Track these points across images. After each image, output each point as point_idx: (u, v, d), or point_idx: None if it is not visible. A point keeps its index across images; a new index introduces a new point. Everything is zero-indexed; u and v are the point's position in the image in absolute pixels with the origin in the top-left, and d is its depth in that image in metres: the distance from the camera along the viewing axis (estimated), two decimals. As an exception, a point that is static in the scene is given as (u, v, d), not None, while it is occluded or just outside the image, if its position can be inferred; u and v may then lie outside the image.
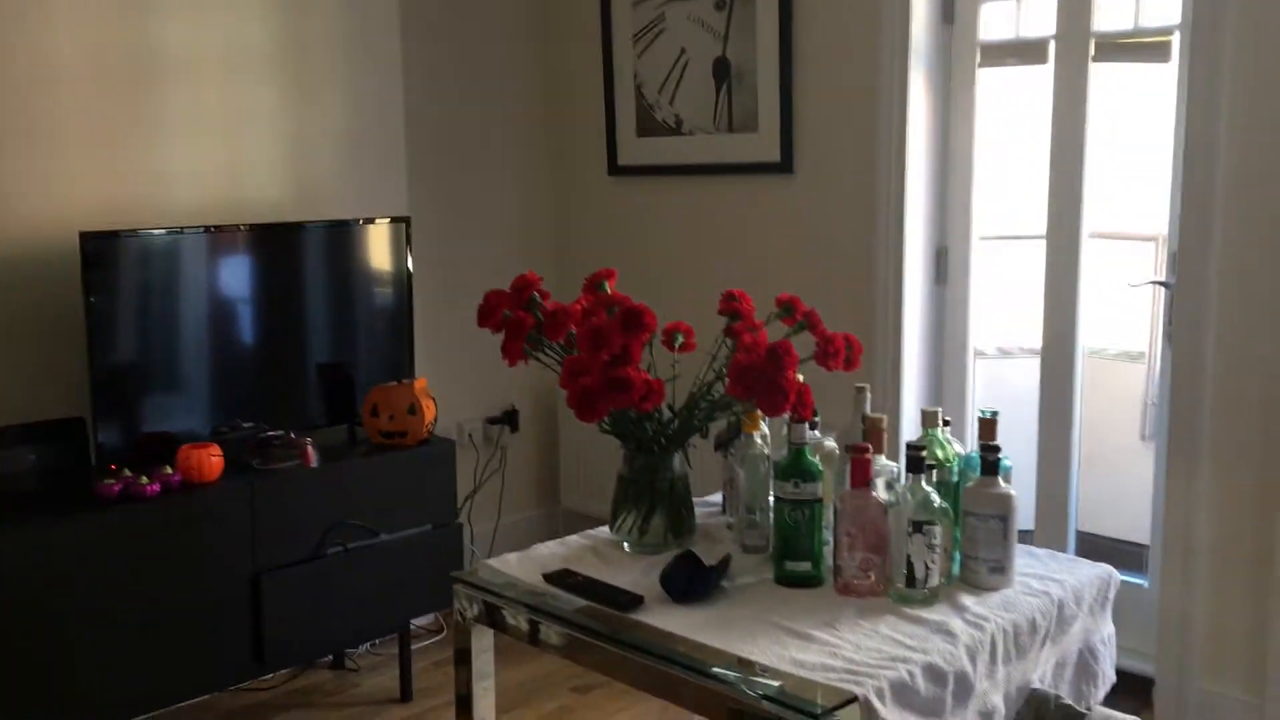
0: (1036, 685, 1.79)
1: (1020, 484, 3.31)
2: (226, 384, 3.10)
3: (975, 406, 3.44)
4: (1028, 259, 3.32)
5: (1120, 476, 3.63)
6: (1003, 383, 3.65)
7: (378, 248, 3.38)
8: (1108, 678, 1.99)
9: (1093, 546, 3.52)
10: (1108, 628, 2.02)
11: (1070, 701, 1.36)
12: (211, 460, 2.85)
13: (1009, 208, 3.52)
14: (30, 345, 2.92)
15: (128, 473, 2.76)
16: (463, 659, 2.10)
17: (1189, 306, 2.83)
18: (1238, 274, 2.74)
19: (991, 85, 3.36)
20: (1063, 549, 3.15)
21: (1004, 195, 3.49)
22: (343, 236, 3.31)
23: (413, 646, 3.34)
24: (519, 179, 4.15)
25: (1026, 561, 2.02)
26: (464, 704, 2.11)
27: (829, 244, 3.49)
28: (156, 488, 2.76)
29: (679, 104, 3.80)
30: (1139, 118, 3.34)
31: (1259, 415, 2.73)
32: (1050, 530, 3.28)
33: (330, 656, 3.46)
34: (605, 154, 4.05)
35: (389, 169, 3.64)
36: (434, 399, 3.27)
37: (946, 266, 3.42)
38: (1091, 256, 3.19)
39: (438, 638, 3.61)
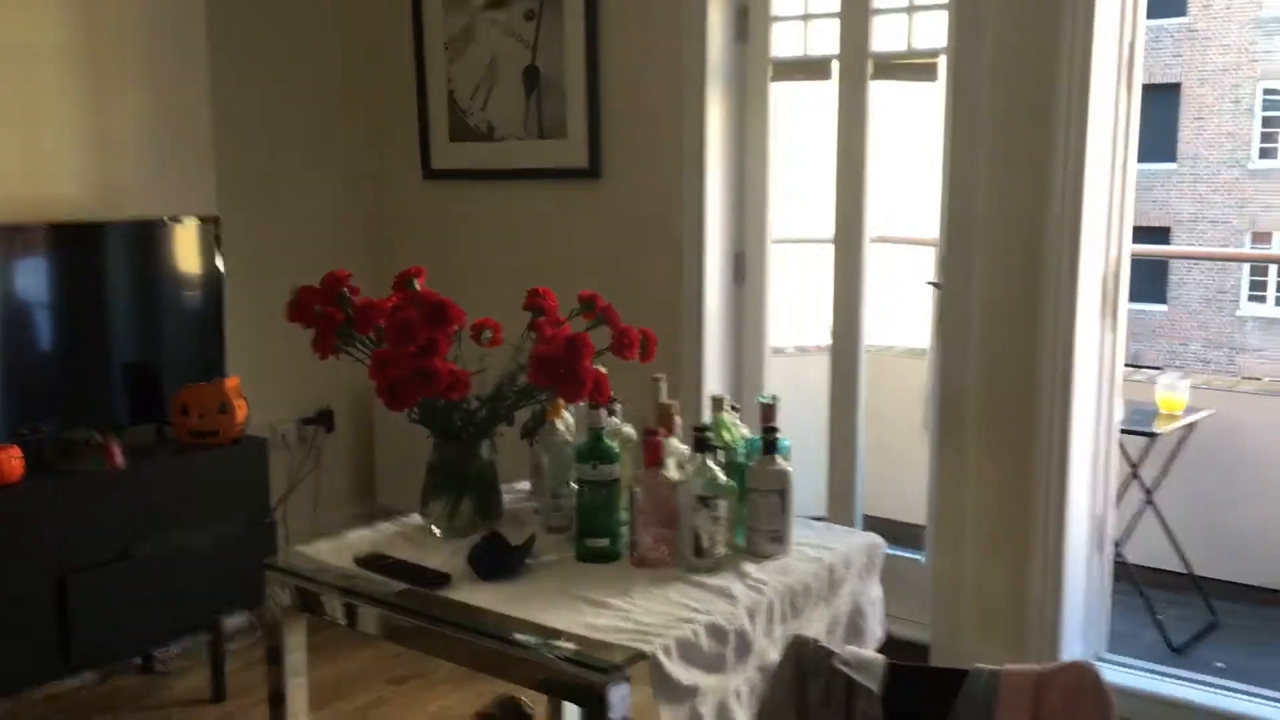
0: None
1: (814, 472, 3.58)
2: (26, 386, 3.04)
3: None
4: (821, 262, 3.58)
5: (905, 463, 3.92)
6: (801, 378, 3.91)
7: (186, 247, 3.37)
8: (875, 635, 2.21)
9: (879, 528, 3.80)
10: (875, 590, 2.24)
11: (825, 644, 1.54)
12: (12, 462, 2.81)
13: (803, 213, 3.78)
14: None
15: (-79, 476, 2.69)
16: (274, 655, 2.15)
17: (955, 306, 3.12)
18: (996, 277, 3.04)
19: (784, 98, 3.60)
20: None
21: (798, 201, 3.74)
22: (148, 236, 3.29)
23: (227, 647, 3.34)
24: (335, 180, 4.18)
25: (805, 533, 2.22)
26: (276, 700, 2.16)
27: (635, 246, 3.66)
28: (-48, 490, 2.70)
29: (490, 110, 3.92)
30: (920, 131, 3.64)
31: (1016, 404, 3.03)
32: (840, 515, 3.53)
33: (140, 660, 3.42)
34: (420, 158, 4.13)
35: (197, 167, 3.62)
36: (246, 399, 3.28)
37: (744, 268, 3.64)
38: (876, 259, 3.46)
39: (251, 639, 3.61)
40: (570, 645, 1.76)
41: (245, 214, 3.78)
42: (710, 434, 2.07)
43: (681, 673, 1.78)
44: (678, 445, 2.19)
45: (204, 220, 3.37)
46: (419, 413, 2.17)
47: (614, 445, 2.11)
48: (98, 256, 3.20)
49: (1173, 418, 3.71)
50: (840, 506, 3.55)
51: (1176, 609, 3.83)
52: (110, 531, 2.96)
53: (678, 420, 2.23)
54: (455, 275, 3.97)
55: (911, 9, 3.33)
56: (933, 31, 3.25)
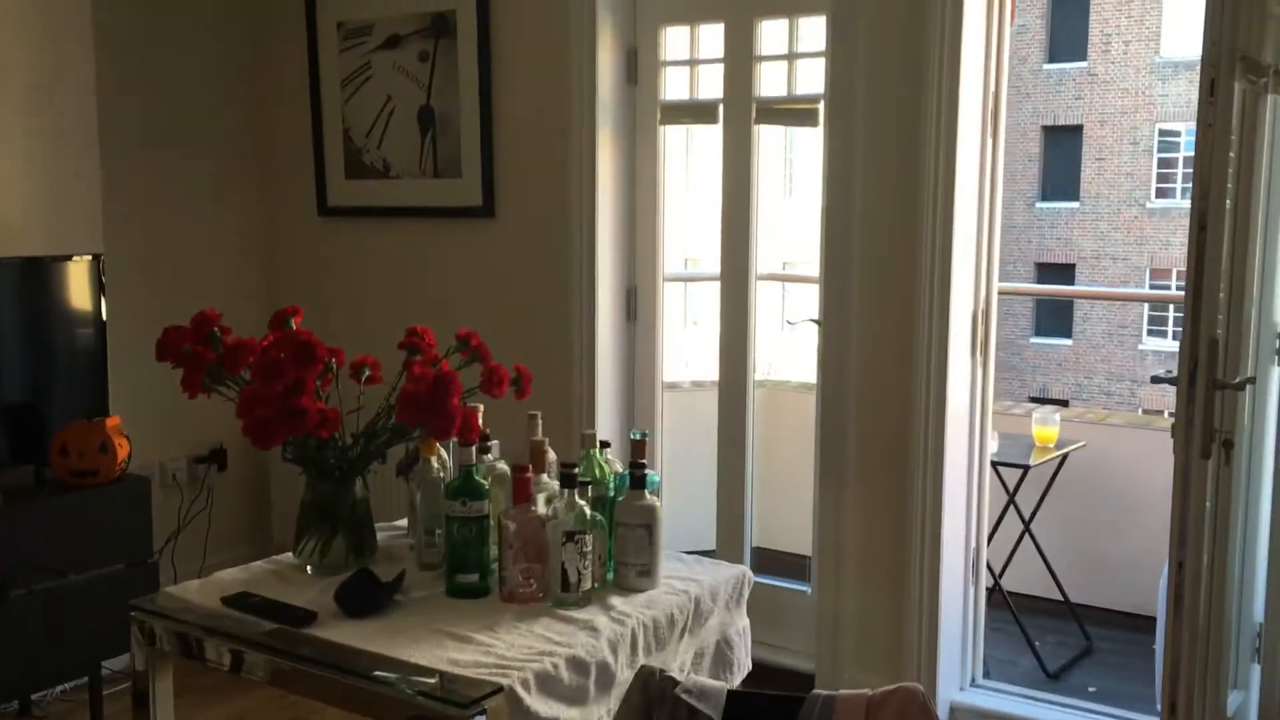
0: (673, 673, 2.03)
1: (705, 506, 3.65)
2: (-102, 425, 2.98)
3: (664, 434, 3.74)
4: (712, 298, 3.66)
5: (795, 496, 4.00)
6: (696, 412, 3.98)
7: (70, 285, 3.33)
8: (743, 665, 2.27)
9: (769, 560, 3.88)
10: (742, 621, 2.29)
11: (672, 674, 1.59)
12: (-122, 503, 2.74)
13: (694, 250, 3.87)
14: None
15: None
16: (140, 699, 2.13)
17: (833, 342, 3.21)
18: (871, 314, 3.14)
19: (674, 140, 3.69)
20: (739, 563, 3.47)
21: (688, 239, 3.83)
22: (30, 273, 3.25)
23: (105, 691, 3.28)
24: (227, 217, 4.17)
25: (675, 566, 2.27)
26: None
27: (529, 284, 3.71)
28: None
29: (386, 148, 3.94)
30: (804, 172, 3.75)
31: (892, 438, 3.13)
32: (729, 547, 3.59)
33: (16, 705, 3.34)
34: (315, 194, 4.13)
35: (83, 204, 3.58)
36: (128, 437, 3.25)
37: (636, 304, 3.70)
38: (764, 296, 3.55)
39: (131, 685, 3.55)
40: (429, 680, 1.79)
41: (134, 251, 3.75)
42: (579, 470, 2.12)
43: (540, 705, 1.81)
44: (549, 482, 2.23)
45: (88, 258, 3.34)
46: (291, 451, 2.19)
47: (484, 482, 2.15)
48: (-22, 294, 3.16)
49: (1046, 449, 3.84)
50: (730, 539, 3.61)
51: (1054, 635, 3.95)
52: (-17, 574, 2.90)
53: (551, 457, 2.27)
54: (349, 313, 4.00)
55: (792, 56, 3.44)
56: (813, 78, 3.36)
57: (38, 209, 3.46)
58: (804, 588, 3.51)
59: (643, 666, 1.64)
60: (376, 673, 1.82)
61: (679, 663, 2.09)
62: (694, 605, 2.15)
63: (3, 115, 3.37)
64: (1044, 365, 19.21)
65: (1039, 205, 20.33)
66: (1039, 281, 19.94)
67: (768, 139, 3.51)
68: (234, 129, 4.16)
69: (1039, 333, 19.48)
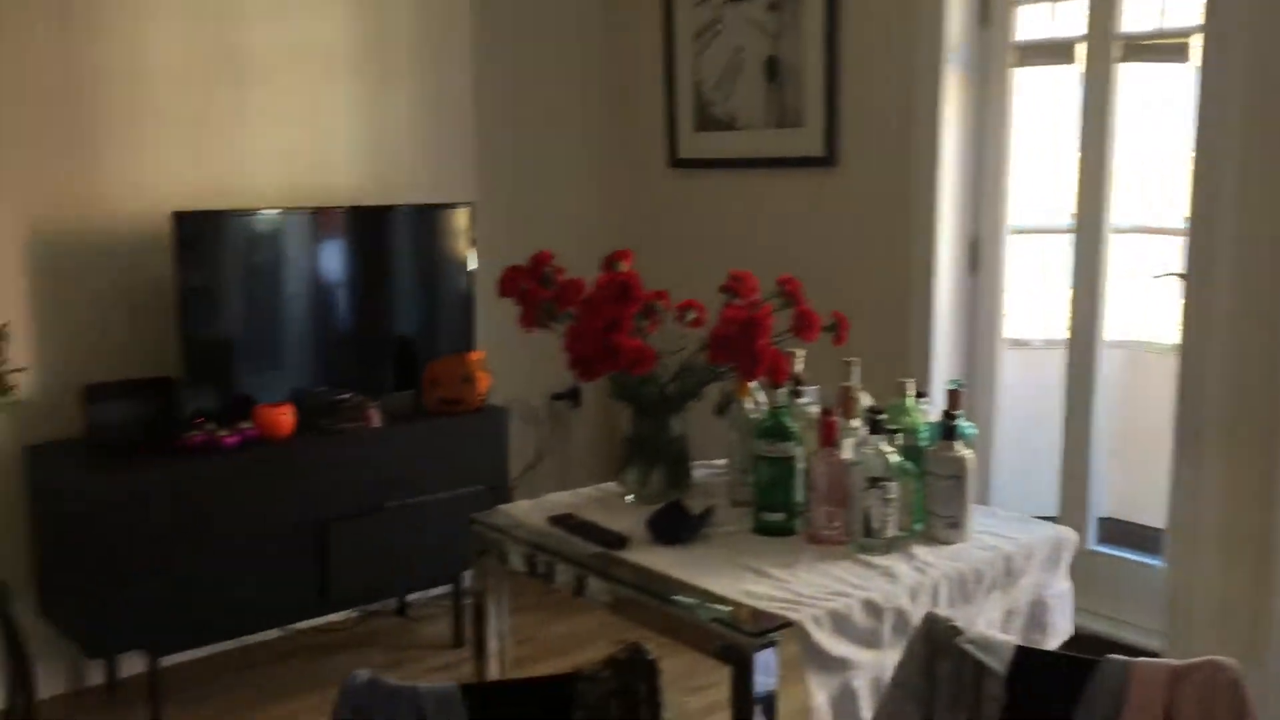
0: (982, 628, 1.97)
1: (1046, 470, 3.47)
2: (303, 352, 3.43)
3: (1003, 391, 3.59)
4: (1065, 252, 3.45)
5: (1152, 465, 3.71)
6: (1044, 372, 3.78)
7: (445, 232, 3.67)
8: (1060, 630, 2.16)
9: (1120, 531, 3.63)
10: (1061, 585, 2.18)
11: (955, 624, 1.54)
12: (284, 418, 3.18)
13: (1042, 201, 3.65)
14: (128, 311, 3.28)
15: (210, 426, 3.10)
16: (479, 605, 2.35)
17: (1198, 299, 2.93)
18: (1246, 269, 2.84)
19: (1026, 83, 3.49)
20: (1083, 533, 3.28)
21: (1038, 189, 3.62)
22: (413, 221, 3.61)
23: (466, 601, 3.63)
24: (584, 168, 4.41)
25: (988, 521, 2.20)
26: (479, 647, 2.36)
27: (868, 233, 3.66)
28: (234, 440, 3.10)
29: (733, 101, 4.02)
30: (1168, 115, 3.44)
31: (1263, 405, 2.82)
32: (1071, 514, 3.39)
33: (395, 604, 3.78)
34: (666, 147, 4.29)
35: (459, 158, 3.94)
36: (489, 371, 3.55)
37: (979, 257, 3.56)
38: (1121, 250, 3.30)
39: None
40: (724, 609, 1.85)
41: (501, 199, 4.07)
42: (886, 417, 2.09)
43: (830, 643, 1.82)
44: (859, 427, 2.21)
45: (462, 206, 3.67)
46: (613, 387, 2.31)
47: (792, 424, 2.17)
48: (368, 238, 3.55)
49: None
50: (1072, 506, 3.41)
51: None
52: (366, 486, 3.29)
53: (861, 403, 2.25)
54: (690, 261, 4.12)
55: (1163, -15, 3.15)
56: (1186, 9, 3.06)
57: (424, 161, 3.84)
58: (1155, 561, 3.27)
59: (928, 614, 1.61)
60: (676, 597, 1.91)
61: (986, 619, 2.02)
62: (1005, 563, 2.07)
63: (396, 80, 3.76)
64: None
65: None
66: None
67: (1130, 79, 3.24)
68: (592, 87, 4.39)
69: None
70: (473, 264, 3.68)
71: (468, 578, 3.64)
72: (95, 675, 3.32)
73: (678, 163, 4.27)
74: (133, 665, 3.28)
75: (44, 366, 3.13)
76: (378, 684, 1.37)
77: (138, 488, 2.94)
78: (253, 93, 3.47)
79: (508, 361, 3.87)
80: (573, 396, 4.45)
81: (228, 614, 3.09)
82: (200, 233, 3.17)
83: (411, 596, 3.84)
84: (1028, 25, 3.44)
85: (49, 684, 3.15)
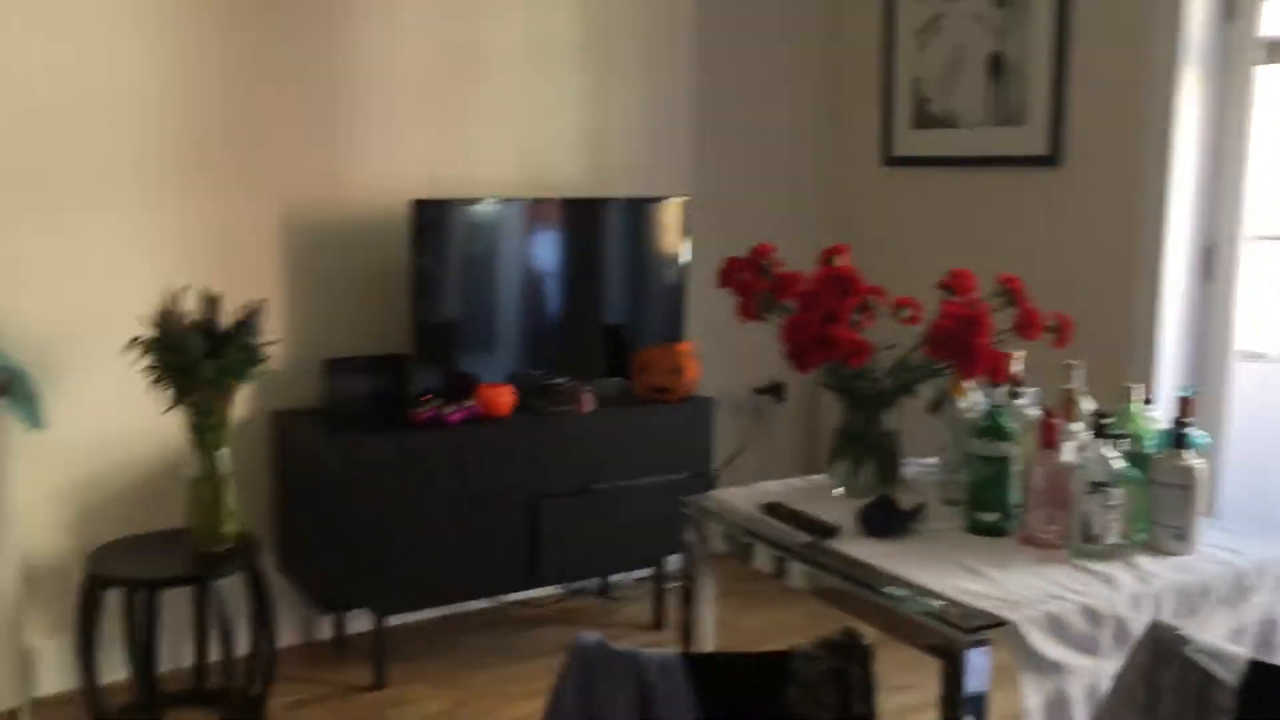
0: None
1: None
2: (522, 336, 3.59)
3: (1236, 405, 3.42)
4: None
5: None
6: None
7: (661, 224, 3.76)
8: (1292, 654, 2.06)
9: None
10: (1296, 606, 2.08)
11: (1182, 632, 1.50)
12: (504, 398, 3.34)
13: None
14: (369, 292, 3.51)
15: (436, 402, 3.28)
16: (688, 588, 2.42)
17: None
18: None
19: (1272, 82, 3.31)
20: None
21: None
22: (631, 213, 3.72)
23: (667, 583, 3.72)
24: (796, 164, 4.43)
25: (1218, 535, 2.12)
26: (686, 630, 2.43)
27: (1092, 236, 3.55)
28: (458, 416, 3.27)
29: (952, 97, 3.96)
30: None
31: None
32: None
33: (598, 583, 3.90)
34: (880, 144, 4.26)
35: (677, 153, 4.03)
36: (698, 362, 3.62)
37: (1213, 264, 3.40)
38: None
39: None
40: (937, 603, 1.85)
41: (715, 194, 4.14)
42: (1112, 422, 2.04)
43: (1047, 647, 1.80)
44: (1081, 431, 2.17)
45: (678, 200, 3.75)
46: (827, 378, 2.34)
47: (1010, 424, 2.15)
48: (588, 229, 3.68)
49: None
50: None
51: None
52: (576, 467, 3.42)
53: (1086, 407, 2.20)
54: (904, 259, 4.09)
55: None
56: None
57: (642, 155, 3.95)
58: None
59: (1154, 622, 1.57)
60: (887, 589, 1.92)
61: (1211, 635, 1.95)
62: (1235, 578, 1.99)
63: (614, 75, 3.88)
64: None
65: None
66: None
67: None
68: (808, 84, 4.40)
69: None
70: (685, 256, 3.76)
71: (669, 562, 3.75)
72: (324, 630, 3.57)
73: (892, 160, 4.24)
74: (359, 623, 3.51)
75: (291, 340, 3.39)
76: (605, 646, 1.45)
77: (369, 456, 3.14)
78: (486, 87, 3.65)
79: (714, 354, 3.94)
80: (775, 392, 4.48)
81: (445, 580, 3.27)
82: (434, 220, 3.35)
83: (613, 578, 3.95)
84: (1277, 19, 3.26)
85: (282, 635, 3.40)
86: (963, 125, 3.94)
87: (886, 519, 2.15)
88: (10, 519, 2.80)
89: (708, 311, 4.05)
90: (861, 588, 1.96)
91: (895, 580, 1.95)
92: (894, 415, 2.37)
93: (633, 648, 1.50)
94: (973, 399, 2.32)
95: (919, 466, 2.54)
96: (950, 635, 1.79)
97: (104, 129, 3.11)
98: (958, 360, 2.09)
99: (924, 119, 4.09)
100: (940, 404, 2.39)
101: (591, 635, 1.49)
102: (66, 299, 3.10)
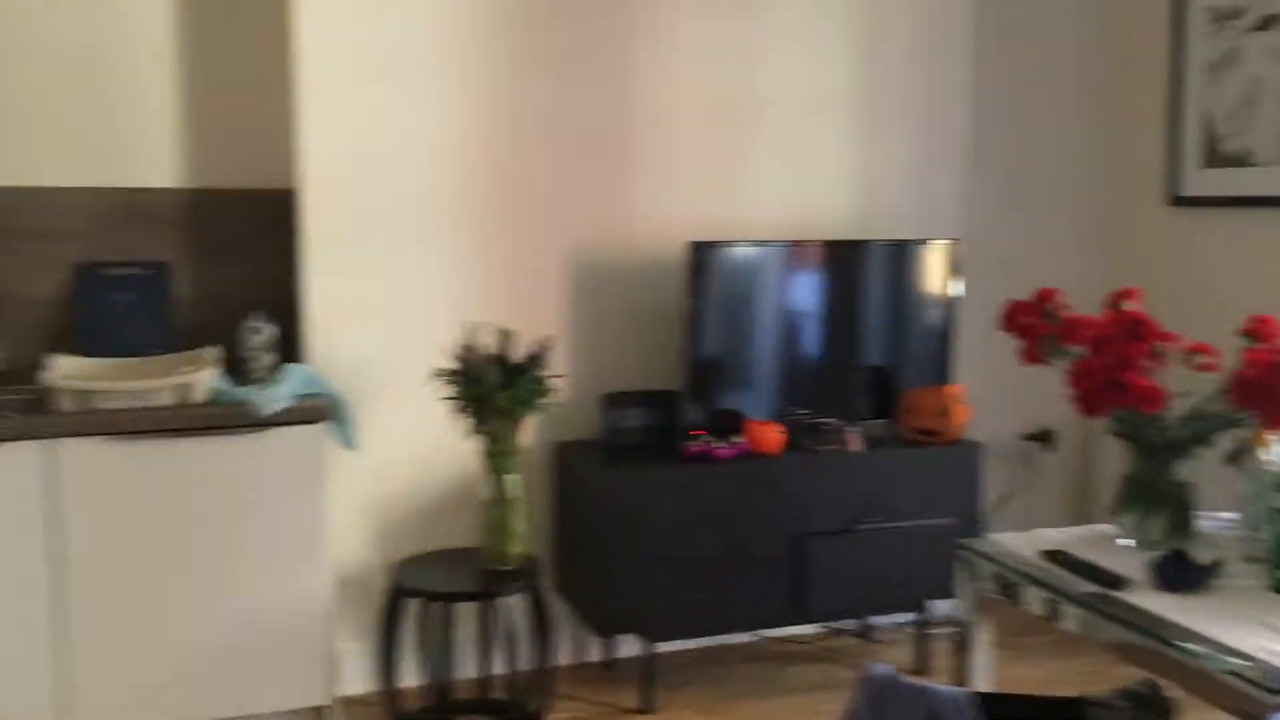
0: None
1: None
2: (790, 375, 3.65)
3: None
4: None
5: None
6: None
7: (930, 266, 3.75)
8: None
9: None
10: None
11: None
12: (773, 435, 3.41)
13: None
14: (643, 330, 3.67)
15: (706, 438, 3.39)
16: (962, 636, 2.40)
17: None
18: None
19: None
20: None
21: None
22: (899, 254, 3.73)
23: (930, 629, 3.67)
24: (1071, 205, 4.31)
25: None
26: (961, 675, 2.41)
27: None
28: (728, 452, 3.37)
29: (1248, 135, 3.77)
30: None
31: None
32: None
33: (858, 624, 3.90)
34: (1165, 184, 4.09)
35: (948, 195, 4.01)
36: (966, 406, 3.58)
37: None
38: None
39: (951, 629, 3.89)
40: (1241, 662, 1.78)
41: (986, 235, 4.09)
42: None
43: (1364, 716, 1.70)
44: (1404, 489, 2.03)
45: (947, 242, 3.74)
46: (1116, 425, 2.28)
47: (1322, 479, 2.04)
48: (855, 270, 3.71)
49: None
50: None
51: None
52: (841, 506, 3.45)
53: None
54: (1193, 303, 3.91)
55: None
56: None
57: (911, 197, 3.96)
58: None
59: None
60: (1184, 644, 1.86)
61: None
62: None
63: (885, 120, 3.91)
64: None
65: None
66: None
67: None
68: (1084, 123, 4.29)
69: None
70: (954, 298, 3.73)
71: (933, 607, 3.71)
72: (594, 652, 3.73)
73: (1179, 200, 4.06)
74: (629, 648, 3.65)
75: (574, 375, 3.59)
76: (897, 679, 1.49)
77: (643, 487, 3.28)
78: (759, 132, 3.76)
79: (983, 398, 3.89)
80: (1044, 439, 4.35)
81: (712, 611, 3.36)
82: (708, 261, 3.48)
83: (875, 619, 3.94)
84: None
85: (557, 654, 3.58)
86: (1259, 164, 3.74)
87: (1182, 572, 2.08)
88: (326, 530, 3.10)
89: (977, 355, 4.00)
90: (1156, 641, 1.91)
91: (1192, 635, 1.88)
92: (1188, 466, 2.29)
93: (924, 682, 1.52)
94: (1276, 452, 2.21)
95: (1215, 521, 2.44)
96: (1255, 695, 1.72)
97: (413, 175, 3.41)
98: (1263, 410, 2.01)
99: (1215, 158, 3.90)
100: (1240, 456, 2.29)
101: (881, 666, 1.53)
102: (377, 332, 3.41)
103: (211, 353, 3.18)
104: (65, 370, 3.01)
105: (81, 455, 2.87)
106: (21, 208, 3.25)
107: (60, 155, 3.28)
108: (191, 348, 3.30)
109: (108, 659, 2.95)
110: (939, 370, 3.75)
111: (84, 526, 2.89)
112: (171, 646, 3.00)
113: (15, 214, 3.24)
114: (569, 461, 3.54)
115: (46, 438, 2.83)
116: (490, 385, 2.97)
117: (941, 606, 3.82)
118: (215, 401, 3.00)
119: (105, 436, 2.88)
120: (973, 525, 3.55)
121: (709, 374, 3.55)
